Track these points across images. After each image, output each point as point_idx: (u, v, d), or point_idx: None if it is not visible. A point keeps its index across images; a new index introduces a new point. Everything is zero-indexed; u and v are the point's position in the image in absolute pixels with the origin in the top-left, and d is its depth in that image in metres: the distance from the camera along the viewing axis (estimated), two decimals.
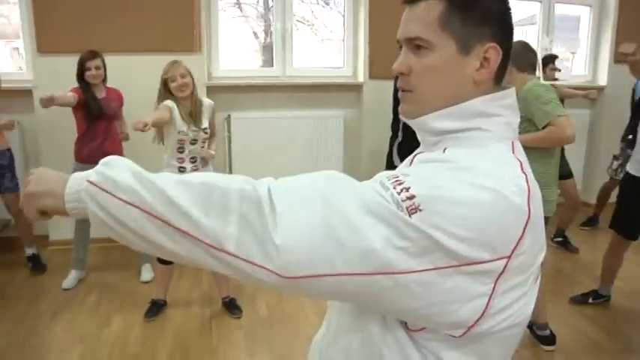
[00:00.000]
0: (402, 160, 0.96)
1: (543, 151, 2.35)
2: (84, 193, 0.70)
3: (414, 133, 0.88)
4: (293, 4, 4.19)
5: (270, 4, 4.45)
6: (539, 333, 2.67)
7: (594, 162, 4.87)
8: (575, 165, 4.12)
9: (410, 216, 0.66)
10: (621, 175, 4.02)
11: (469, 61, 0.78)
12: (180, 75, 2.71)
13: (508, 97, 0.81)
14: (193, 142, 2.79)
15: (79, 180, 0.71)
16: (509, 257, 0.69)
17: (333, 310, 0.90)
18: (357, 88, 4.36)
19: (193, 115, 2.78)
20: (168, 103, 2.72)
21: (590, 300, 3.10)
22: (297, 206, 0.67)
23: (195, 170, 2.82)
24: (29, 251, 3.57)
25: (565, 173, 3.64)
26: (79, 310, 3.02)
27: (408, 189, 0.68)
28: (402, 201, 0.67)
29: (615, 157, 4.10)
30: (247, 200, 0.67)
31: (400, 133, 3.10)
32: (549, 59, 3.89)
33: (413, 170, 0.76)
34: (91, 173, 0.71)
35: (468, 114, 0.78)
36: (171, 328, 2.84)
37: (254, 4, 4.61)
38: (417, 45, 0.79)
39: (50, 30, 3.64)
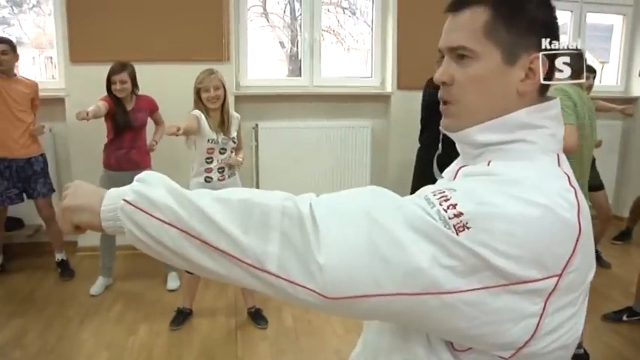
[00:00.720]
0: (441, 171, 0.93)
1: (569, 159, 2.28)
2: (120, 212, 0.69)
3: (453, 144, 0.86)
4: (321, 14, 4.20)
5: (297, 13, 4.47)
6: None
7: (627, 174, 4.75)
8: (607, 177, 4.01)
9: (457, 234, 0.63)
10: None
11: (514, 72, 0.75)
12: (213, 87, 2.72)
13: (553, 107, 0.78)
14: (222, 151, 2.80)
15: (115, 198, 0.70)
16: (560, 275, 0.66)
17: (371, 329, 0.87)
18: (385, 98, 4.34)
19: (223, 125, 2.79)
20: (196, 112, 2.73)
21: (625, 317, 3.00)
22: (340, 224, 0.65)
23: (222, 181, 2.82)
24: (59, 257, 3.62)
25: (596, 185, 3.55)
26: (105, 317, 3.04)
27: (455, 205, 0.65)
28: (450, 218, 0.64)
29: None
30: (288, 217, 0.65)
31: (440, 145, 3.07)
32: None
33: (459, 185, 0.72)
34: (127, 191, 0.69)
35: (511, 126, 0.76)
36: (196, 338, 2.84)
37: (281, 13, 4.64)
38: (460, 54, 0.76)
39: (82, 40, 3.71)
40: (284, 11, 4.62)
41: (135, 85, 3.25)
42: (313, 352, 2.74)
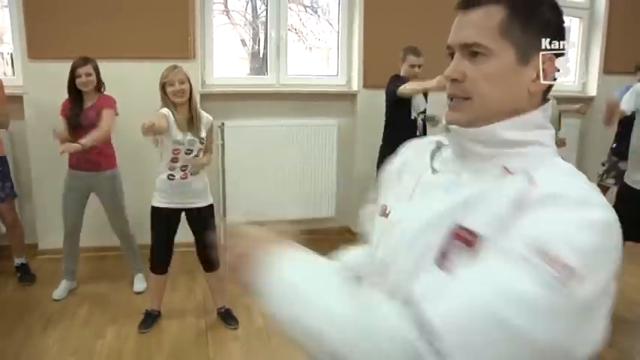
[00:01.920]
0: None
1: None
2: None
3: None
4: (287, 13, 4.19)
5: (259, 11, 4.45)
6: None
7: (584, 170, 4.82)
8: None
9: (575, 289, 0.62)
10: (607, 181, 4.12)
11: (526, 72, 0.76)
12: (178, 80, 2.67)
13: (549, 108, 0.81)
14: (188, 151, 2.74)
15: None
16: None
17: None
18: (351, 97, 4.37)
19: (191, 124, 2.74)
20: (164, 110, 2.67)
21: None
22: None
23: (184, 179, 2.76)
24: (18, 261, 3.50)
25: None
26: (70, 322, 2.96)
27: (563, 263, 0.62)
28: (564, 280, 0.62)
29: (602, 164, 4.20)
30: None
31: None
32: None
33: (549, 231, 0.65)
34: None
35: (531, 125, 0.77)
36: (166, 340, 2.80)
37: (242, 11, 4.60)
38: (473, 51, 0.76)
39: (41, 35, 3.58)
40: (245, 9, 4.59)
41: (99, 80, 3.15)
42: (285, 351, 2.74)
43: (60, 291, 3.26)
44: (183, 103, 2.72)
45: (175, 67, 2.72)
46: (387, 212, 0.87)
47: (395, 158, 0.96)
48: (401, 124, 3.66)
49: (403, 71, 3.70)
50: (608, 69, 4.75)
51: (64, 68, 3.23)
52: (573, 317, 0.63)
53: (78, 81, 3.05)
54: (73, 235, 3.27)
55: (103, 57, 3.35)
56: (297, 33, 4.58)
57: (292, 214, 4.22)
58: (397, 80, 3.59)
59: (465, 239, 0.71)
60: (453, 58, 0.79)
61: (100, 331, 2.86)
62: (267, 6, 4.20)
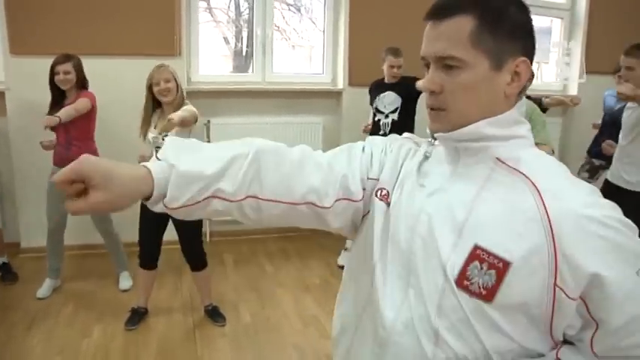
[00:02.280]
0: None
1: None
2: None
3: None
4: (273, 11, 4.19)
5: (242, 9, 4.45)
6: None
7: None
8: None
9: None
10: (582, 175, 4.19)
11: (501, 76, 0.78)
12: (163, 79, 2.67)
13: (522, 104, 0.85)
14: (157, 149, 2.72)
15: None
16: None
17: None
18: (336, 94, 4.39)
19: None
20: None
21: None
22: None
23: None
24: None
25: None
26: (55, 321, 2.93)
27: None
28: None
29: (582, 165, 4.27)
30: None
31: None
32: None
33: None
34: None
35: (510, 122, 0.81)
36: (154, 337, 2.79)
37: (225, 9, 4.59)
38: (448, 64, 0.78)
39: (24, 31, 3.53)
40: (228, 7, 4.58)
41: (82, 78, 3.12)
42: (273, 347, 2.76)
43: (44, 290, 3.22)
44: (170, 102, 2.72)
45: (161, 65, 2.72)
46: (389, 200, 0.88)
47: (412, 149, 0.93)
48: (373, 125, 3.78)
49: (384, 71, 3.73)
50: (589, 69, 4.84)
51: (46, 64, 3.19)
52: None
53: (56, 78, 3.03)
54: (57, 233, 3.24)
55: (87, 53, 3.33)
56: (280, 31, 4.58)
57: None
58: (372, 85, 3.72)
59: (493, 265, 0.74)
60: (428, 67, 0.82)
61: (86, 330, 2.84)
62: (252, 4, 4.20)
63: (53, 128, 3.05)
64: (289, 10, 4.65)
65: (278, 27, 4.51)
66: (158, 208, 0.81)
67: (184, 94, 2.85)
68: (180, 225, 2.84)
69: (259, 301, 3.26)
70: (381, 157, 0.91)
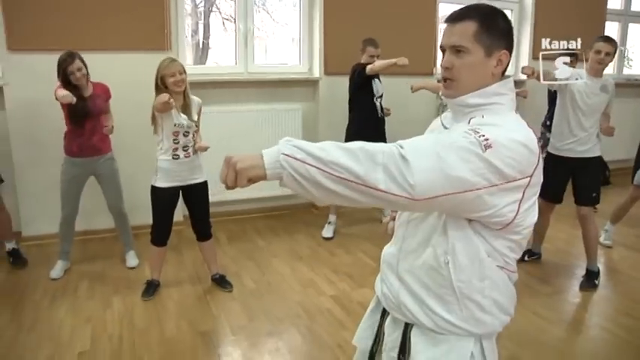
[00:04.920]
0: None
1: None
2: (283, 161, 1.00)
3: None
4: (254, 6, 4.50)
5: (198, 1, 4.76)
6: None
7: None
8: None
9: (485, 150, 1.04)
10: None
11: (490, 62, 1.19)
12: (178, 72, 2.95)
13: (510, 82, 1.24)
14: (186, 133, 3.05)
15: (273, 155, 1.02)
16: (531, 176, 1.12)
17: (407, 234, 1.28)
18: (313, 83, 4.76)
19: (186, 109, 3.04)
20: (165, 95, 2.90)
21: (526, 257, 3.71)
22: (420, 157, 1.03)
23: (187, 157, 3.07)
24: (9, 246, 3.65)
25: None
26: (75, 296, 3.19)
27: (483, 135, 1.07)
28: (482, 141, 1.06)
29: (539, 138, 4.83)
30: (388, 155, 1.02)
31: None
32: None
33: (479, 126, 1.12)
34: (283, 148, 1.02)
35: (489, 94, 1.20)
36: (171, 304, 3.10)
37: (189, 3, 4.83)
38: (458, 50, 1.18)
39: (21, 27, 3.71)
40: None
41: (87, 71, 3.32)
42: (279, 305, 3.12)
43: (57, 270, 3.46)
44: (180, 92, 3.01)
45: (173, 60, 3.01)
46: None
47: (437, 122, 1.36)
48: (363, 107, 4.10)
49: (363, 61, 4.13)
50: (536, 55, 5.39)
51: (43, 59, 3.40)
52: (481, 166, 1.03)
53: (72, 78, 3.19)
54: (71, 219, 3.48)
55: (81, 48, 3.46)
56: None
57: (261, 193, 4.63)
58: (361, 67, 4.02)
59: None
60: (444, 53, 1.23)
61: (106, 301, 3.12)
62: (235, 1, 4.49)
63: (80, 123, 3.30)
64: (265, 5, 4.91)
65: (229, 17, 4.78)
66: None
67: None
68: (195, 198, 3.16)
69: (259, 270, 3.62)
70: None
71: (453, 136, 1.12)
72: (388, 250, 1.37)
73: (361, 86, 4.04)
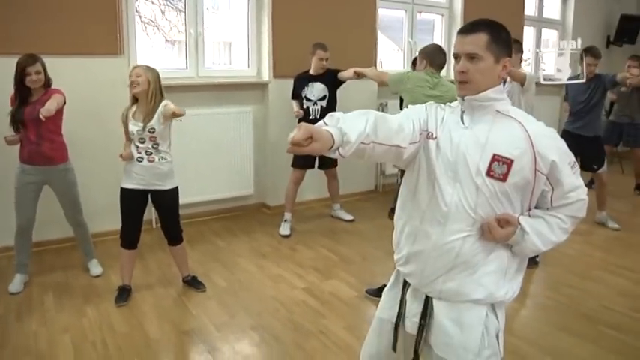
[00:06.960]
0: None
1: None
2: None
3: None
4: (204, 12, 4.56)
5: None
6: None
7: None
8: None
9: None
10: None
11: (497, 67, 1.44)
12: (134, 73, 3.01)
13: (507, 82, 1.51)
14: (141, 140, 3.04)
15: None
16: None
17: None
18: (262, 86, 4.89)
19: (149, 114, 3.02)
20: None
21: None
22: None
23: (151, 162, 3.06)
24: None
25: None
26: (42, 308, 3.10)
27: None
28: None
29: None
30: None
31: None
32: None
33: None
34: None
35: (500, 91, 1.46)
36: (147, 308, 3.12)
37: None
38: (472, 57, 1.41)
39: None
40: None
41: (47, 76, 3.24)
42: (255, 300, 3.24)
43: (15, 285, 3.33)
44: (139, 93, 3.02)
45: (136, 65, 3.05)
46: (434, 137, 1.47)
47: (438, 110, 1.54)
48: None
49: (313, 63, 4.33)
50: None
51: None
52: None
53: (28, 79, 3.13)
54: (27, 230, 3.36)
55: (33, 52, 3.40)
56: (155, 25, 4.82)
57: (215, 195, 4.70)
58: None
59: (505, 162, 1.38)
60: (458, 60, 1.45)
61: (80, 310, 3.07)
62: (185, 6, 4.52)
63: (18, 128, 3.21)
64: (166, 4, 4.88)
65: (153, 21, 4.79)
66: (335, 155, 1.29)
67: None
68: (161, 204, 3.18)
69: (226, 269, 3.71)
70: (425, 116, 1.51)
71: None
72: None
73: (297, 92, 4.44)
